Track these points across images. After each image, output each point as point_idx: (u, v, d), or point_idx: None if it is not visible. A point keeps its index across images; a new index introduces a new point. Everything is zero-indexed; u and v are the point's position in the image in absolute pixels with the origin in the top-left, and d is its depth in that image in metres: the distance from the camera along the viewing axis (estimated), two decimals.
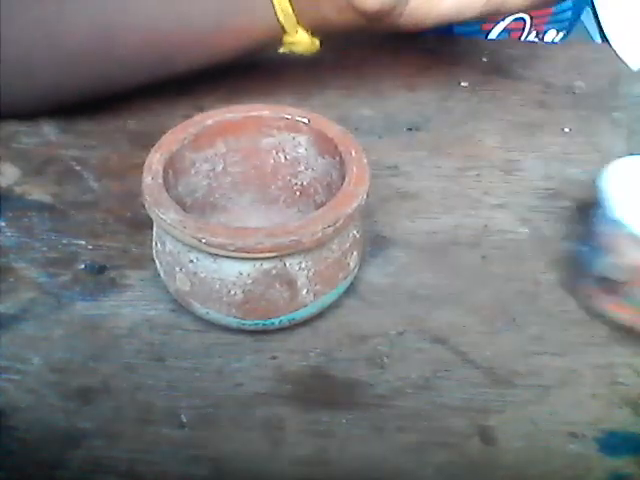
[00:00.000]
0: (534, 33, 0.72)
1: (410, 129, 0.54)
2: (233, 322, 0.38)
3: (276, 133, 0.42)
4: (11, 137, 0.50)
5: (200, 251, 0.35)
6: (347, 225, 0.37)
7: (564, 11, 0.72)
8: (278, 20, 0.47)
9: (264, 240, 0.34)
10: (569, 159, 0.51)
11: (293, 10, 0.46)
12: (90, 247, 0.44)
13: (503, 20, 0.69)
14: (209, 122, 0.41)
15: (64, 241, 0.44)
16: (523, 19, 0.69)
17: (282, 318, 0.38)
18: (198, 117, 0.41)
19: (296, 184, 0.44)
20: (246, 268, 0.36)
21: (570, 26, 0.75)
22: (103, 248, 0.44)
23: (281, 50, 0.49)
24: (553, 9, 0.71)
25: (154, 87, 0.53)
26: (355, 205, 0.36)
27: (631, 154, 0.40)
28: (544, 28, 0.72)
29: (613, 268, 0.38)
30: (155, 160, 0.38)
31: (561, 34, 0.74)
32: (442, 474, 0.34)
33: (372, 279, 0.43)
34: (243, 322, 0.38)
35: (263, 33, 0.48)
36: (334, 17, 0.47)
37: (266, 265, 0.36)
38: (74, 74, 0.49)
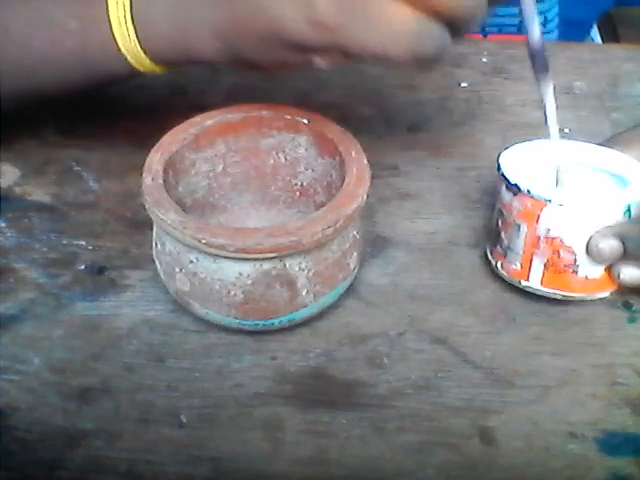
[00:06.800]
0: None
1: (410, 129, 0.54)
2: (233, 322, 0.38)
3: (276, 133, 0.42)
4: (11, 137, 0.50)
5: (200, 252, 0.35)
6: (347, 225, 0.37)
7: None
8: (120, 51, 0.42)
9: (264, 241, 0.34)
10: None
11: (139, 41, 0.42)
12: (90, 247, 0.44)
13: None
14: (209, 122, 0.41)
15: (64, 241, 0.44)
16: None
17: (282, 318, 0.38)
18: (198, 117, 0.41)
19: (296, 184, 0.44)
20: (246, 269, 0.36)
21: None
22: (103, 248, 0.44)
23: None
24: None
25: (153, 87, 0.53)
26: (355, 205, 0.36)
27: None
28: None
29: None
30: (155, 160, 0.38)
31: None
32: (442, 474, 0.34)
33: (372, 279, 0.43)
34: (243, 322, 0.38)
35: (105, 63, 0.44)
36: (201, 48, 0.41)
37: (266, 266, 0.36)
38: None
